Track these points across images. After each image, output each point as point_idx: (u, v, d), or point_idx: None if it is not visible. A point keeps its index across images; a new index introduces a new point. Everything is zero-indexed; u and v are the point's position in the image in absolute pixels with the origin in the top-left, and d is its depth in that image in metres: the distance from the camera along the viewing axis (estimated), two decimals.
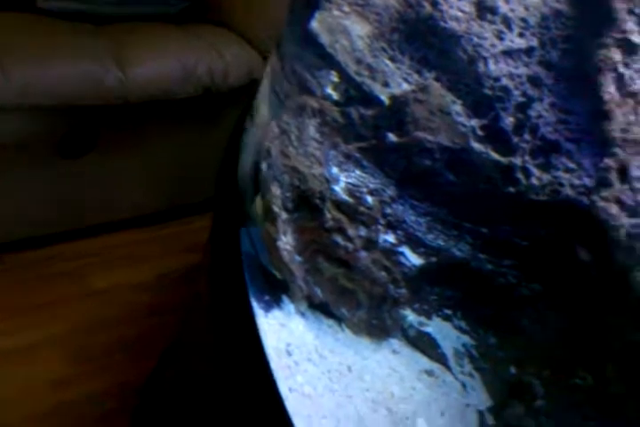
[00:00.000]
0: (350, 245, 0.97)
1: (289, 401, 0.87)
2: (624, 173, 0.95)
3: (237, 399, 1.01)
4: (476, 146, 1.28)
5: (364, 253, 0.99)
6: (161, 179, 2.48)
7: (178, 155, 2.44)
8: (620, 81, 0.99)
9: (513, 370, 0.99)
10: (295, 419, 0.86)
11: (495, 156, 1.29)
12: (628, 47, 1.02)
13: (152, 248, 2.43)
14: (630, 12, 0.99)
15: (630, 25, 0.98)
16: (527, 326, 1.11)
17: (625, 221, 0.91)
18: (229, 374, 1.04)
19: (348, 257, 0.97)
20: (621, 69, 0.99)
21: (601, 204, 0.94)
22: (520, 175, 1.28)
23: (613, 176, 0.94)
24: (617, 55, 0.98)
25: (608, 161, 0.95)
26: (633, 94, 0.97)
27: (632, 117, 0.93)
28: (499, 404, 0.96)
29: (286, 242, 0.96)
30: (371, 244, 1.01)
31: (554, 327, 1.03)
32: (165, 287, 2.20)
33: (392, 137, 1.12)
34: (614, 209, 0.92)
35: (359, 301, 1.03)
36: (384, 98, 1.23)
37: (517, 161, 1.29)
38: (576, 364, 0.92)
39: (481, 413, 0.96)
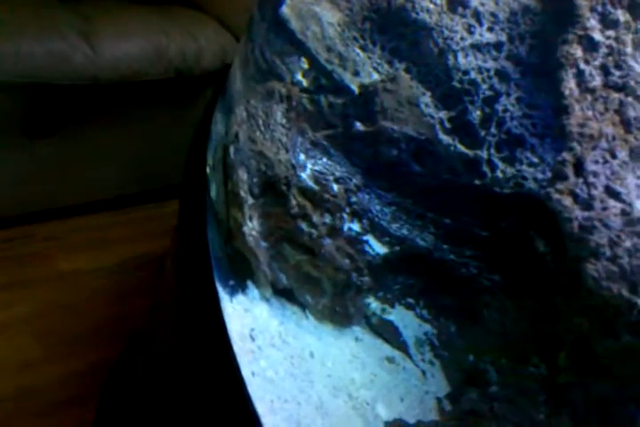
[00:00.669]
0: (315, 232, 0.98)
1: (251, 385, 0.89)
2: (579, 167, 0.97)
3: (201, 383, 1.02)
4: (444, 138, 1.30)
5: (328, 241, 1.00)
6: (133, 161, 2.45)
7: (151, 137, 2.41)
8: (580, 77, 1.01)
9: (471, 358, 1.01)
10: (257, 403, 0.87)
11: (462, 148, 1.31)
12: (588, 44, 1.04)
13: (123, 232, 2.40)
14: (592, 9, 1.01)
15: (592, 22, 1.00)
16: (487, 315, 1.14)
17: (578, 213, 0.93)
18: (194, 358, 1.05)
19: (313, 244, 0.98)
20: (582, 66, 1.01)
21: (556, 196, 0.96)
22: (485, 168, 1.31)
23: (569, 170, 0.96)
24: (578, 51, 1.00)
25: (565, 155, 0.97)
26: (592, 90, 0.99)
27: (590, 113, 0.95)
28: (456, 390, 0.98)
29: (252, 227, 0.96)
30: (335, 231, 1.02)
31: (512, 317, 1.06)
32: (134, 271, 2.19)
33: (359, 126, 1.13)
34: (568, 201, 0.94)
35: (323, 288, 1.04)
36: (354, 87, 1.24)
37: (483, 154, 1.31)
38: (531, 352, 0.95)
39: (439, 399, 0.99)
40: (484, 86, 1.29)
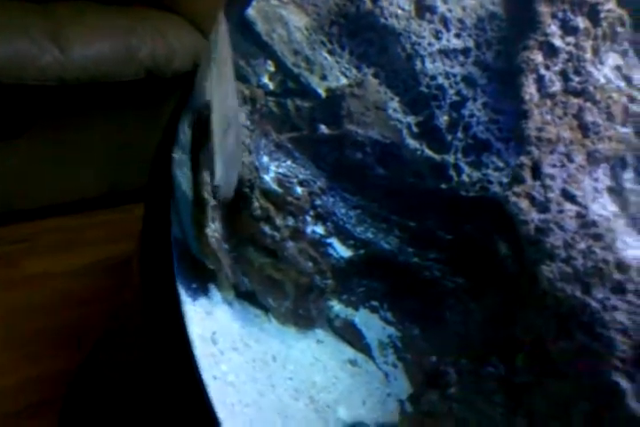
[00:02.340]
0: (277, 235, 0.98)
1: (212, 389, 0.88)
2: (537, 171, 0.99)
3: (163, 387, 1.01)
4: (411, 142, 1.31)
5: (291, 243, 1.00)
6: (103, 163, 2.42)
7: (120, 139, 2.38)
8: (541, 82, 1.03)
9: (433, 359, 1.02)
10: (218, 407, 0.86)
11: (429, 152, 1.33)
12: (549, 50, 1.06)
13: (91, 234, 2.37)
14: (553, 15, 1.03)
15: (552, 28, 1.01)
16: (450, 317, 1.15)
17: (534, 216, 0.94)
18: (156, 362, 1.03)
19: (276, 246, 0.98)
20: (542, 71, 1.03)
21: (513, 199, 0.97)
22: (452, 172, 1.32)
23: (527, 173, 0.97)
24: (538, 57, 1.02)
25: (523, 158, 0.98)
26: (551, 95, 1.01)
27: (548, 117, 0.97)
28: (417, 392, 0.99)
29: (215, 229, 0.96)
30: (298, 234, 1.02)
31: (474, 319, 1.07)
32: (100, 274, 2.16)
33: (325, 129, 1.14)
34: (525, 204, 0.96)
35: (286, 291, 1.04)
36: (321, 91, 1.24)
37: (450, 158, 1.32)
38: (490, 354, 0.96)
39: (401, 401, 0.99)
40: (452, 91, 1.30)
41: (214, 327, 0.94)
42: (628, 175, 1.06)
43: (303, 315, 1.04)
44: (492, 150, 1.22)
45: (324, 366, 1.08)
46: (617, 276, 0.84)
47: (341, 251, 1.12)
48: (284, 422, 0.92)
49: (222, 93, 0.98)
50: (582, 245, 0.86)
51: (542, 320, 0.87)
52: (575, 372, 0.86)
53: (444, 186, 1.21)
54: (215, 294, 0.98)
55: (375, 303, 1.28)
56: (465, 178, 1.22)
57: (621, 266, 0.88)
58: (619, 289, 0.86)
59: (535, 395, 0.88)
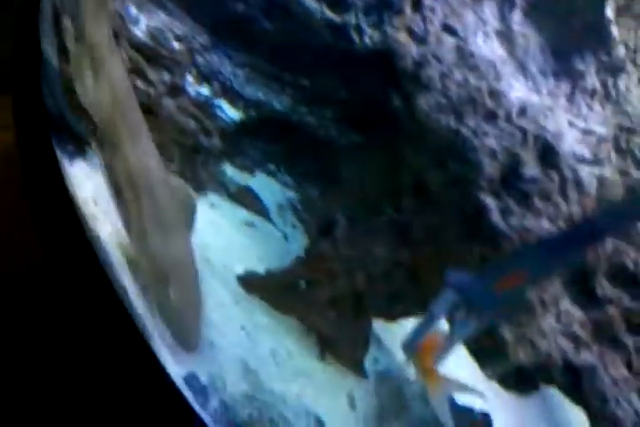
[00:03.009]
0: (152, 90, 0.91)
1: (98, 246, 0.85)
2: (417, 3, 0.94)
3: (51, 246, 0.98)
4: (310, 3, 1.23)
5: (168, 100, 0.93)
6: None
7: None
8: None
9: (328, 213, 1.01)
10: (103, 262, 0.84)
11: (329, 13, 1.25)
12: None
13: None
14: None
15: None
16: (346, 175, 1.13)
17: (413, 49, 0.91)
18: (41, 225, 1.00)
19: (152, 103, 0.91)
20: None
21: (392, 32, 0.93)
22: (353, 33, 1.26)
23: (407, 4, 0.92)
24: None
25: None
26: None
27: None
28: (311, 243, 0.99)
29: (87, 85, 0.88)
30: (176, 91, 0.95)
31: (370, 174, 1.06)
32: None
33: None
34: (403, 37, 0.92)
35: (171, 154, 0.99)
36: None
37: (351, 19, 1.26)
38: (383, 202, 0.96)
39: (298, 256, 0.99)
40: None
41: (95, 190, 0.90)
42: (517, 17, 1.02)
43: (191, 178, 1.00)
44: (394, 9, 1.15)
45: (218, 229, 1.06)
46: (489, 103, 0.83)
47: (230, 113, 1.06)
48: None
49: None
50: (458, 76, 0.84)
51: (422, 156, 0.86)
52: (449, 200, 0.87)
53: (341, 44, 1.15)
54: (93, 157, 0.93)
55: (272, 167, 1.24)
56: (366, 39, 1.16)
57: (494, 94, 0.87)
58: (490, 116, 0.85)
59: (416, 229, 0.90)
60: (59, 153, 0.92)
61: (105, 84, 0.86)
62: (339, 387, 0.99)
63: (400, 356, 1.08)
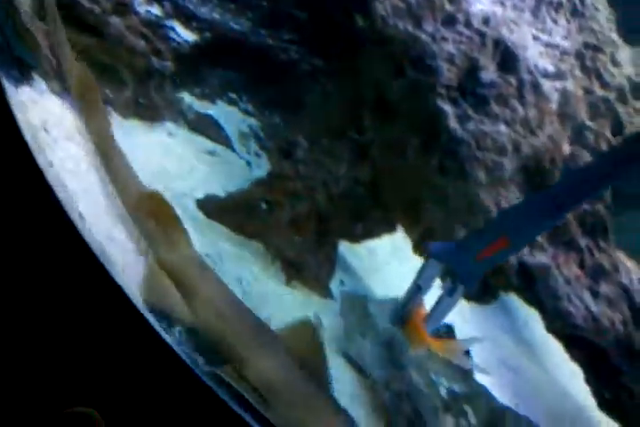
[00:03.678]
0: (97, 8, 0.86)
1: (49, 174, 0.82)
2: None
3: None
4: None
5: (115, 19, 0.88)
6: None
7: None
8: None
9: (289, 137, 0.99)
10: (57, 190, 0.81)
11: None
12: None
13: None
14: None
15: None
16: (309, 101, 1.10)
17: None
18: None
19: (97, 22, 0.86)
20: None
21: None
22: None
23: None
24: None
25: None
26: None
27: None
28: (272, 166, 0.96)
29: (24, 3, 0.83)
30: (124, 8, 0.90)
31: (332, 100, 1.03)
32: None
33: None
34: None
35: (122, 78, 0.95)
36: None
37: None
38: (345, 124, 0.94)
39: (258, 178, 0.97)
40: None
41: (44, 117, 0.86)
42: None
43: (146, 104, 0.96)
44: None
45: (178, 157, 1.03)
46: (448, 7, 0.80)
47: (184, 34, 1.01)
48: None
49: None
50: None
51: (381, 67, 0.84)
52: (408, 110, 0.85)
53: None
54: (39, 82, 0.88)
55: (233, 95, 1.20)
56: None
57: None
58: (449, 21, 0.82)
59: (376, 146, 0.88)
60: (3, 79, 0.87)
61: None
62: (306, 309, 0.99)
63: (366, 279, 1.09)
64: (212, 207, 0.89)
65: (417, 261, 0.98)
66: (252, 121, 1.14)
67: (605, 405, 0.91)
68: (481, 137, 0.84)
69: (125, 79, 0.93)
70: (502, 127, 0.84)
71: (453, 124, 0.83)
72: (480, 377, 0.90)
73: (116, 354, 0.90)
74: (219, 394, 0.86)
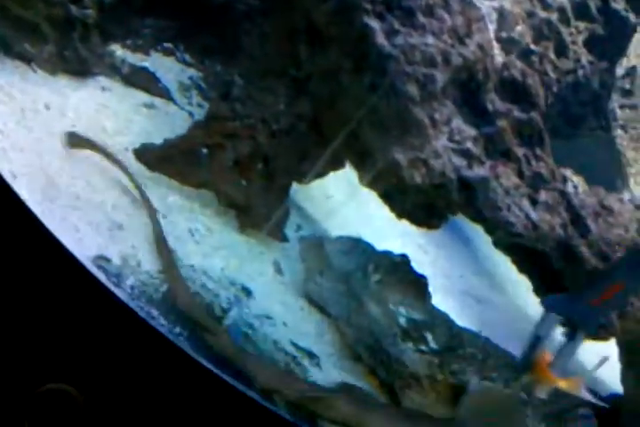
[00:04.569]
0: None
1: None
2: None
3: None
4: None
5: None
6: None
7: None
8: None
9: (227, 79, 0.95)
10: None
11: None
12: None
13: None
14: None
15: None
16: (248, 43, 1.06)
17: None
18: None
19: None
20: None
21: None
22: None
23: None
24: None
25: None
26: None
27: None
28: (210, 108, 0.93)
29: None
30: None
31: (270, 40, 0.99)
32: None
33: None
34: None
35: (43, 32, 0.90)
36: None
37: None
38: (284, 62, 0.90)
39: (196, 121, 0.93)
40: None
41: None
42: None
43: (73, 60, 0.91)
44: None
45: (114, 112, 0.99)
46: None
47: None
48: (72, 168, 0.85)
49: None
50: None
51: None
52: (337, 33, 0.82)
53: None
54: None
55: (169, 45, 1.14)
56: None
57: None
58: None
59: (314, 79, 0.85)
60: None
61: None
62: (263, 256, 0.97)
63: (323, 222, 1.07)
64: (151, 158, 0.86)
65: (370, 196, 0.96)
66: (192, 71, 1.10)
67: None
68: (409, 51, 0.80)
69: (45, 32, 0.88)
70: (430, 39, 0.80)
71: (381, 40, 0.79)
72: (440, 305, 0.89)
73: (70, 320, 0.88)
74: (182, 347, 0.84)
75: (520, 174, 0.88)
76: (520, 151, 0.89)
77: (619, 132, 1.57)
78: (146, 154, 0.86)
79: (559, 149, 1.12)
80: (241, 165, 0.86)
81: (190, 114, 1.06)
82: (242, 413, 0.84)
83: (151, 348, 0.85)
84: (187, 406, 0.85)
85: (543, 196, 0.88)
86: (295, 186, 1.04)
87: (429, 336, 0.82)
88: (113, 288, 0.82)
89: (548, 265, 0.94)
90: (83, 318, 0.83)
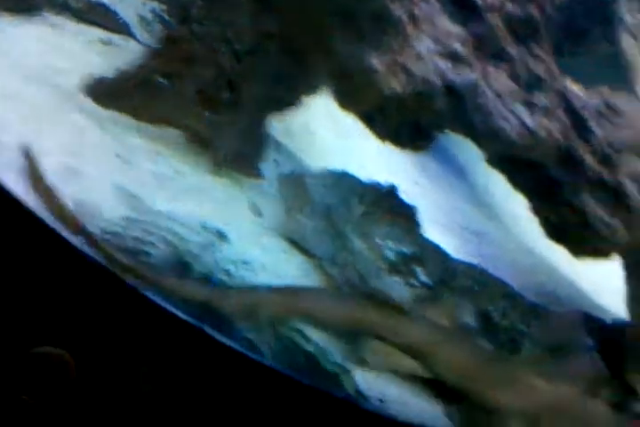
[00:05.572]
0: None
1: None
2: None
3: None
4: None
5: None
6: None
7: None
8: None
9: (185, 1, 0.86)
10: None
11: None
12: None
13: None
14: None
15: None
16: None
17: None
18: None
19: None
20: None
21: None
22: None
23: None
24: None
25: None
26: None
27: None
28: (166, 32, 0.85)
29: None
30: None
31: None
32: None
33: None
34: None
35: None
36: None
37: None
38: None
39: (150, 47, 0.85)
40: None
41: None
42: None
43: None
44: None
45: (66, 50, 0.91)
46: None
47: None
48: (21, 108, 0.78)
49: None
50: None
51: None
52: None
53: None
54: None
55: None
56: None
57: None
58: None
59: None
60: None
61: None
62: (239, 198, 0.89)
63: (303, 156, 0.98)
64: (103, 93, 0.78)
65: (354, 128, 0.86)
66: (154, 4, 1.01)
67: (553, 232, 0.82)
68: None
69: None
70: None
71: None
72: (434, 237, 0.80)
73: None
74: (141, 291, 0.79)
75: (514, 76, 0.77)
76: (514, 50, 0.78)
77: (630, 41, 1.41)
78: (97, 89, 0.78)
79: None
80: (204, 95, 0.77)
81: (151, 49, 0.98)
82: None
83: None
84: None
85: (540, 98, 0.77)
86: (273, 122, 0.96)
87: (419, 270, 0.74)
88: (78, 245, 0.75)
89: (546, 177, 0.83)
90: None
